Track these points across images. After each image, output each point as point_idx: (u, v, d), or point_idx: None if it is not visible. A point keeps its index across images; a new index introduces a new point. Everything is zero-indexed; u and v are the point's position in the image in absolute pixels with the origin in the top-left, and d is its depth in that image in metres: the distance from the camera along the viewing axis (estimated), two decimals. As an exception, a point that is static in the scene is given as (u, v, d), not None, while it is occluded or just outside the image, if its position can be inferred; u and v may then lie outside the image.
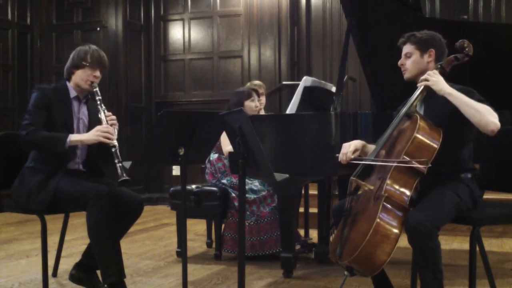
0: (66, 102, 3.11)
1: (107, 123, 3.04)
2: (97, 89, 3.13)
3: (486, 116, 2.50)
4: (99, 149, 3.11)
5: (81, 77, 3.11)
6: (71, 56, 3.18)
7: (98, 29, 7.50)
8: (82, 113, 3.18)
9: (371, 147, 2.85)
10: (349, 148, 2.74)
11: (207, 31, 7.56)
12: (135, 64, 7.62)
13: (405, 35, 2.82)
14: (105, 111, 3.09)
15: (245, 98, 4.14)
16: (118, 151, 2.97)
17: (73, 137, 2.97)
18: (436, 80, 2.61)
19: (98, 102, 3.10)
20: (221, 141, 4.04)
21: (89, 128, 3.14)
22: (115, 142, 2.98)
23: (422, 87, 2.66)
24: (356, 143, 2.77)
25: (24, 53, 7.56)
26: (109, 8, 7.44)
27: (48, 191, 2.94)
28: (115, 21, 7.42)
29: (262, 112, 4.62)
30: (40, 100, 3.04)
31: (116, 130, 3.06)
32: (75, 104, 3.15)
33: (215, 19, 7.51)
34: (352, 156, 2.72)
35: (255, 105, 4.18)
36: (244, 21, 7.33)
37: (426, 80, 2.64)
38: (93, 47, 3.17)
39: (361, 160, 2.68)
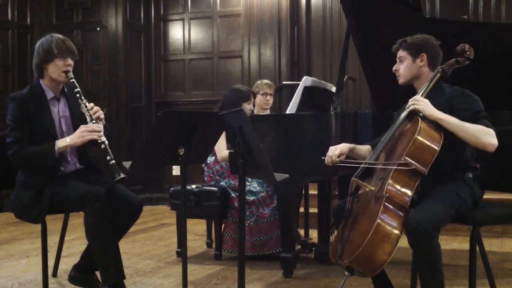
0: (44, 106, 2.93)
1: (91, 118, 2.86)
2: (74, 80, 2.93)
3: (481, 139, 2.51)
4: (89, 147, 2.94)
5: (53, 71, 2.93)
6: (35, 51, 2.99)
7: (98, 29, 7.49)
8: (62, 111, 3.02)
9: (363, 148, 2.86)
10: (334, 152, 2.77)
11: (207, 31, 7.55)
12: (135, 64, 7.62)
13: (398, 41, 2.81)
14: (87, 104, 2.88)
15: (243, 100, 4.06)
16: (108, 147, 2.79)
17: (60, 144, 2.83)
18: (425, 105, 2.59)
19: (78, 95, 2.89)
20: (217, 145, 3.80)
21: (73, 124, 2.99)
22: (103, 138, 2.81)
23: (409, 109, 2.63)
24: (342, 148, 2.79)
25: (24, 53, 7.54)
26: (109, 8, 7.44)
27: (44, 204, 2.86)
28: (115, 21, 7.42)
29: (268, 112, 4.61)
30: (18, 112, 2.87)
31: (101, 123, 2.87)
32: (53, 105, 2.99)
33: (215, 19, 7.50)
34: (337, 160, 2.74)
35: (250, 108, 4.14)
36: (244, 21, 7.32)
37: (414, 105, 2.60)
38: (56, 35, 2.98)
39: (347, 163, 2.69)
